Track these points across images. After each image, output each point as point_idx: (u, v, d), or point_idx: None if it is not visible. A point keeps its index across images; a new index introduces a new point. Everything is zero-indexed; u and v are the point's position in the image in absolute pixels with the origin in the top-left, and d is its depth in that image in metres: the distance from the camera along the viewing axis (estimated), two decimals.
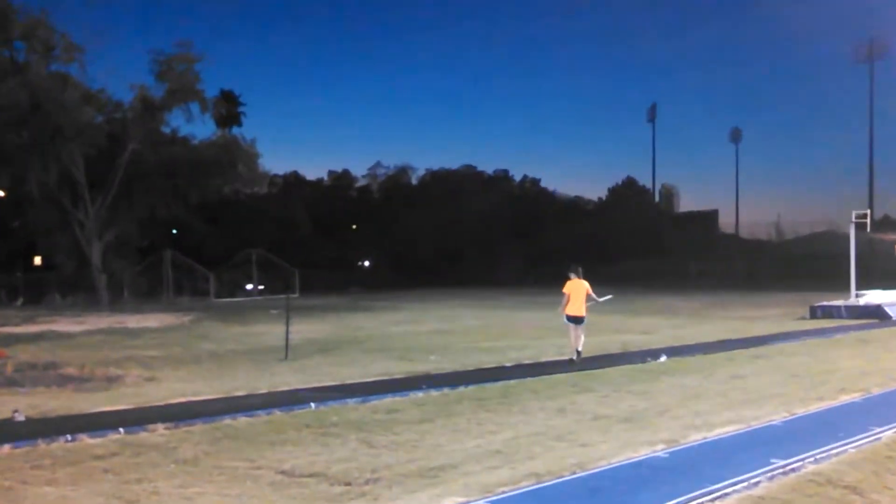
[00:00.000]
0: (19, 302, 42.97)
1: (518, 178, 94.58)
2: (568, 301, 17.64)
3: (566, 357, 17.78)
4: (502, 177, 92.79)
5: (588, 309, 18.00)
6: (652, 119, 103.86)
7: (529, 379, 14.76)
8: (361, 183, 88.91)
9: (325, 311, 35.58)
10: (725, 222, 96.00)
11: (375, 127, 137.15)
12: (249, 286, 52.05)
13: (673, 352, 19.01)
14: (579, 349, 17.62)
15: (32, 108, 41.42)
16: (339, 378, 14.94)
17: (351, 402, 12.35)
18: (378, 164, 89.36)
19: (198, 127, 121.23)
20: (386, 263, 72.54)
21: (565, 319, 17.79)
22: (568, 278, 17.82)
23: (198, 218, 53.71)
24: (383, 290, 57.26)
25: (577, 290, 17.68)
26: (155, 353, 19.84)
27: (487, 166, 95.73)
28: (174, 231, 56.95)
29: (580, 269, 17.90)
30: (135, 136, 45.06)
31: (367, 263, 76.05)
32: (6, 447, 9.32)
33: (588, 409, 11.92)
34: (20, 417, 11.08)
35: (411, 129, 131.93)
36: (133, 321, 30.50)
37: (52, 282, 46.55)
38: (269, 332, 24.68)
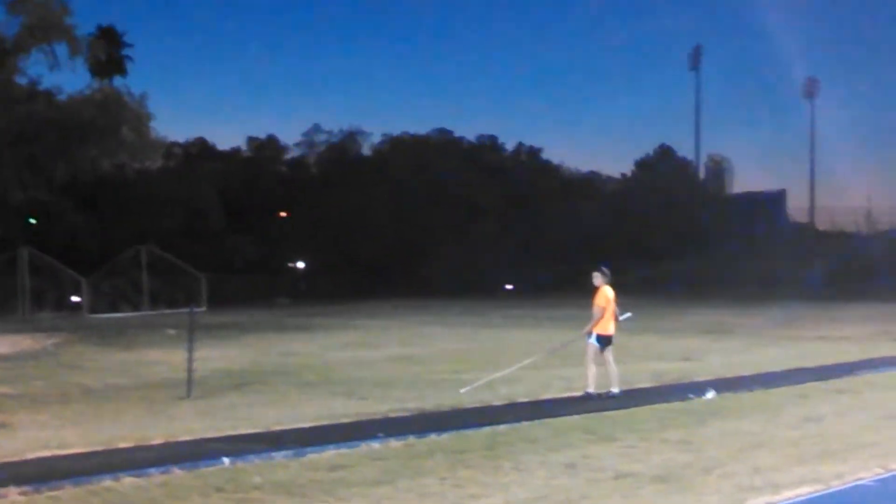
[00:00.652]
0: None
1: (510, 147, 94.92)
2: (602, 316, 18.08)
3: (580, 392, 17.95)
4: (488, 146, 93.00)
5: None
6: (695, 66, 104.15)
7: (526, 423, 14.83)
8: (293, 154, 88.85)
9: (243, 332, 35.69)
10: (796, 207, 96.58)
11: (313, 78, 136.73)
12: (131, 297, 51.54)
13: (724, 385, 19.07)
14: (614, 390, 17.99)
15: None
16: (262, 423, 14.87)
17: (279, 455, 12.33)
18: (316, 129, 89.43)
19: (66, 76, 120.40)
20: (328, 265, 72.35)
21: (593, 340, 18.14)
22: (596, 286, 18.21)
23: (67, 202, 53.22)
24: (324, 302, 57.23)
25: (611, 301, 18.14)
26: (6, 389, 19.61)
27: (467, 131, 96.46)
28: (32, 221, 56.51)
29: (608, 273, 18.34)
30: None
31: (301, 265, 75.82)
32: None
33: (607, 464, 11.90)
34: None
35: (362, 81, 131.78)
36: None
37: None
38: (164, 360, 24.54)
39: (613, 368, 18.13)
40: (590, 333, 18.12)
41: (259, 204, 75.11)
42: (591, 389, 17.79)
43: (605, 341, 18.09)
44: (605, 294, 18.06)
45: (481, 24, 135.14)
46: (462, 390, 18.10)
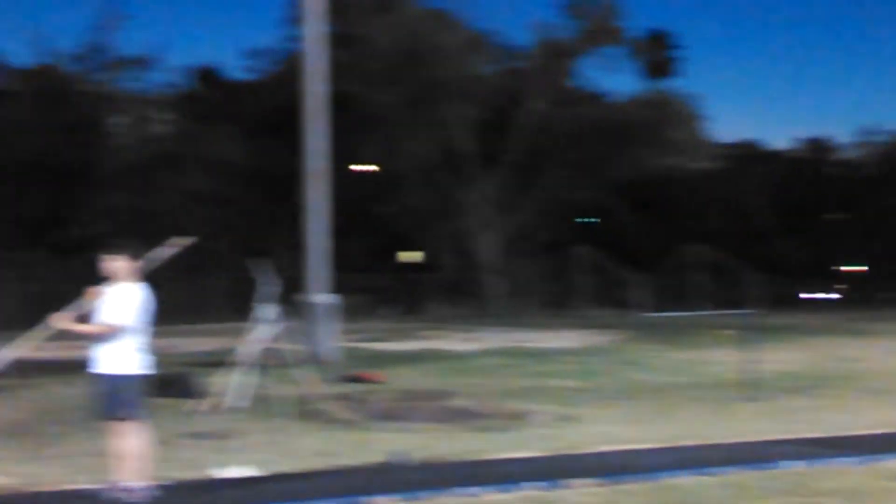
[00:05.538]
0: (392, 312, 46.08)
1: None
2: None
3: None
4: None
5: None
6: None
7: None
8: (843, 154, 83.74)
9: (799, 334, 34.46)
10: None
11: (865, 73, 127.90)
12: (683, 296, 51.51)
13: None
14: None
15: (406, 57, 44.04)
16: (824, 428, 14.49)
17: (843, 461, 11.90)
18: (872, 130, 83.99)
19: (612, 79, 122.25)
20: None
21: None
22: None
23: (619, 202, 54.08)
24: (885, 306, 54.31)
25: None
26: (574, 383, 20.65)
27: None
28: (589, 221, 57.94)
29: None
30: (538, 93, 46.50)
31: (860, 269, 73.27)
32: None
33: None
34: (405, 459, 11.93)
35: None
36: (540, 339, 31.68)
37: (429, 285, 49.82)
38: (720, 360, 24.49)
39: None
40: None
41: (810, 205, 72.53)
42: None
43: None
44: None
45: None
46: None
